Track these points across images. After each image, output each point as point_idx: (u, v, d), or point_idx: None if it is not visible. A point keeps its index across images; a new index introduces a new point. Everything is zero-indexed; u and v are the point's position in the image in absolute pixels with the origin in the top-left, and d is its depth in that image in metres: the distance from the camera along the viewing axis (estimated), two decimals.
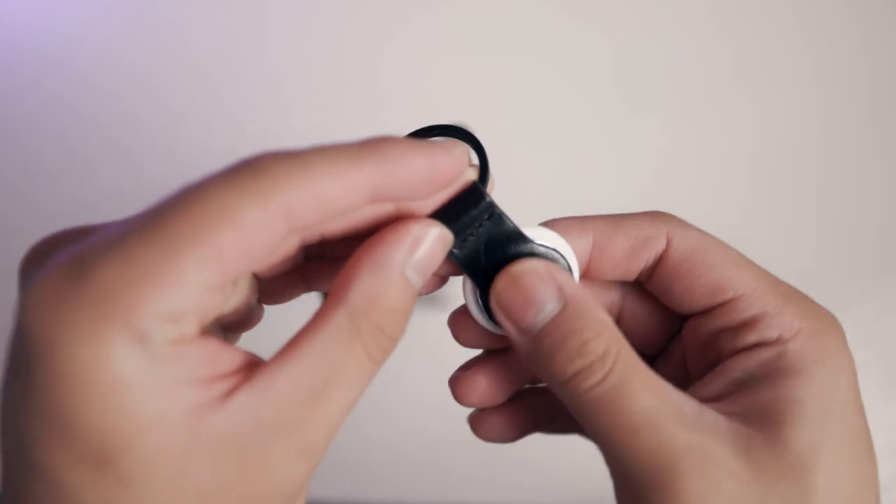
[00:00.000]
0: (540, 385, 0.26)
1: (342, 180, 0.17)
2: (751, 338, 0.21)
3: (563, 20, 0.48)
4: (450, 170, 0.19)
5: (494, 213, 0.21)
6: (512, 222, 0.22)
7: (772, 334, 0.21)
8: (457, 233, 0.21)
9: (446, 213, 0.21)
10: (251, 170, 0.16)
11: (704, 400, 0.20)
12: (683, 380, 0.23)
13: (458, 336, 0.24)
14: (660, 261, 0.22)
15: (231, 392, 0.17)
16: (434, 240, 0.20)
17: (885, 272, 0.48)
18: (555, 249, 0.22)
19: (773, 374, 0.20)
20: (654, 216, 0.23)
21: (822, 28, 0.48)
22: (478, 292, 0.22)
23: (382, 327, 0.19)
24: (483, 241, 0.22)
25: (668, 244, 0.22)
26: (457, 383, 0.24)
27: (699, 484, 0.18)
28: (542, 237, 0.22)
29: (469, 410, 0.26)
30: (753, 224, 0.49)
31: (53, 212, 0.47)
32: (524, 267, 0.21)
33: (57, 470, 0.16)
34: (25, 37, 0.46)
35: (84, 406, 0.15)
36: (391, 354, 0.20)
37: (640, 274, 0.23)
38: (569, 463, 0.46)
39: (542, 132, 0.48)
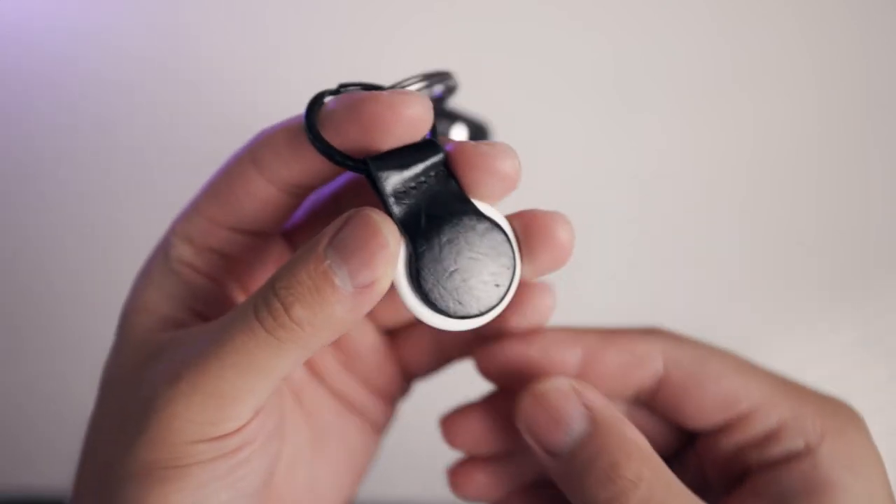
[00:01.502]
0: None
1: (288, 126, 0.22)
2: (777, 450, 0.20)
3: (563, 20, 0.48)
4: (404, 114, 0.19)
5: (441, 171, 0.19)
6: (458, 184, 0.20)
7: (798, 444, 0.20)
8: (400, 184, 0.19)
9: (393, 160, 0.19)
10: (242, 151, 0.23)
11: None
12: (703, 487, 0.22)
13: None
14: (662, 382, 0.21)
15: (183, 325, 0.21)
16: (358, 219, 0.18)
17: (885, 272, 0.48)
18: (497, 223, 0.20)
19: (810, 489, 0.19)
20: (648, 332, 0.22)
21: (822, 28, 0.48)
22: (412, 265, 0.19)
23: (277, 292, 0.18)
24: (425, 202, 0.19)
25: (665, 364, 0.21)
26: (451, 421, 0.24)
27: None
28: (484, 208, 0.20)
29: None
30: (753, 224, 0.49)
31: (69, 212, 0.47)
32: (549, 385, 0.20)
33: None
34: (30, 36, 0.46)
35: (139, 280, 0.23)
36: (297, 337, 0.18)
37: (640, 394, 0.22)
38: None
39: (541, 132, 0.48)
